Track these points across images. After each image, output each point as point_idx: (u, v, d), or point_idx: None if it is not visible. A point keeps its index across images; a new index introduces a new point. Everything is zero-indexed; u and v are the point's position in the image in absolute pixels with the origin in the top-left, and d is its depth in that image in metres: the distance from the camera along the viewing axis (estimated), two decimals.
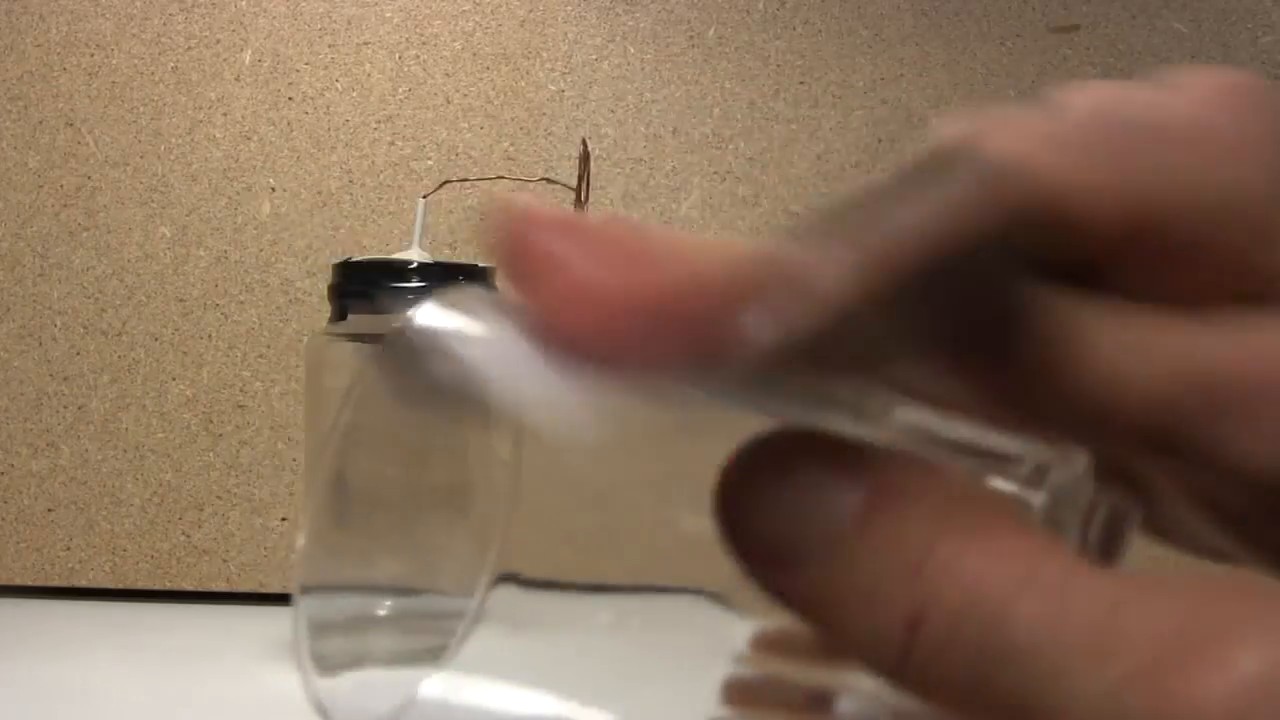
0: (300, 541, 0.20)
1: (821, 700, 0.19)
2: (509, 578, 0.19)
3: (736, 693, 0.19)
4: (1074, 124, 0.18)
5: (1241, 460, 0.18)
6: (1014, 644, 0.15)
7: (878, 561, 0.16)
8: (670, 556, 0.20)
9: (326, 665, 0.20)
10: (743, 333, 0.16)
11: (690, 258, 0.17)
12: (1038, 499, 0.18)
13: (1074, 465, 0.19)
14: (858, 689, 0.18)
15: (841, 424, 0.19)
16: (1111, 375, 0.18)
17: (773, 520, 0.17)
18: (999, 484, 0.18)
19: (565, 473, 0.19)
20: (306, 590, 0.20)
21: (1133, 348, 0.18)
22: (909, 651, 0.16)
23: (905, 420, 0.19)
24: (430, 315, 0.19)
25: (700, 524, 0.18)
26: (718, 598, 0.19)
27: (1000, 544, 0.16)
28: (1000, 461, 0.19)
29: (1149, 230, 0.18)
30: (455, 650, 0.18)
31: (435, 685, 0.19)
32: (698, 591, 0.20)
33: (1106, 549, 0.18)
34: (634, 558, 0.19)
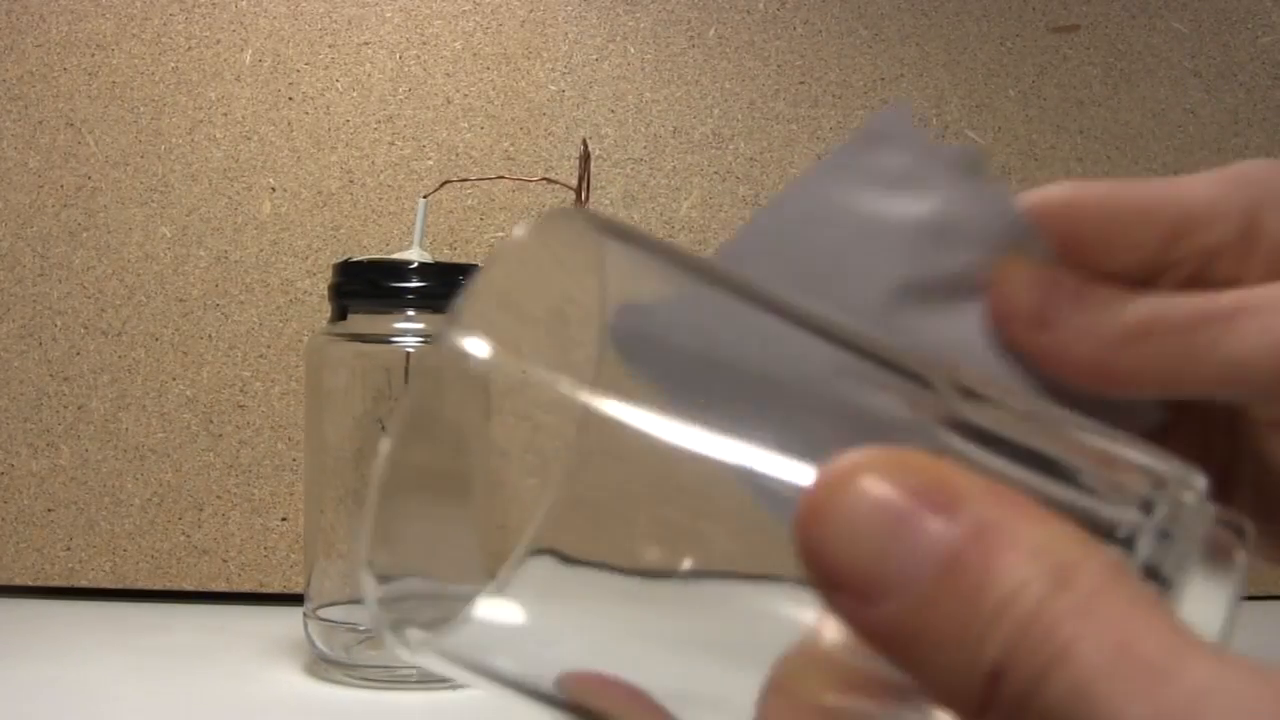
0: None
1: None
2: (548, 551, 0.19)
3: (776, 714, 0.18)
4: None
5: None
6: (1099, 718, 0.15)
7: (963, 606, 0.16)
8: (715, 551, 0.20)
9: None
10: None
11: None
12: (1146, 537, 0.18)
13: (1198, 481, 0.19)
14: None
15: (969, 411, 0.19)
16: None
17: (854, 552, 0.16)
18: (1107, 510, 0.18)
19: (624, 463, 0.19)
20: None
21: None
22: (988, 703, 0.16)
23: (1043, 415, 0.20)
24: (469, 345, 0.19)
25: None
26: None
27: (1097, 604, 0.15)
28: (1118, 482, 0.19)
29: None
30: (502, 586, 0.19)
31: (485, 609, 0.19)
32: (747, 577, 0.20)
33: (1218, 566, 0.18)
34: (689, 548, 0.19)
